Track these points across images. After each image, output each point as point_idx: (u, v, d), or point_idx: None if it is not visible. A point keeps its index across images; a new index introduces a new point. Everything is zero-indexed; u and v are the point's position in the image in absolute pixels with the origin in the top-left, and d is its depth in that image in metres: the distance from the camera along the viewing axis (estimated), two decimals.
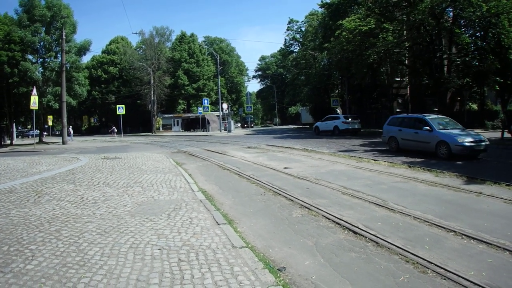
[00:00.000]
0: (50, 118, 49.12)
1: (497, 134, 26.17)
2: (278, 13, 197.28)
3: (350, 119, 33.32)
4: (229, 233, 5.82)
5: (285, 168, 13.31)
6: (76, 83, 39.35)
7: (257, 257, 4.89)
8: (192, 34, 73.34)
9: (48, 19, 36.51)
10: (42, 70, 37.37)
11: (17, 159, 18.07)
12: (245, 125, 73.66)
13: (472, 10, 28.27)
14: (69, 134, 49.18)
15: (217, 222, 6.41)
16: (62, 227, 6.10)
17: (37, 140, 38.76)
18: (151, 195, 8.66)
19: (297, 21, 73.96)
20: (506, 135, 22.21)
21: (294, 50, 74.24)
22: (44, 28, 37.15)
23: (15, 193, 9.00)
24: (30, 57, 37.69)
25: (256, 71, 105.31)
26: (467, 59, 31.94)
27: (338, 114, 35.22)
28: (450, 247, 5.35)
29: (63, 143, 34.03)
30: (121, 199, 8.29)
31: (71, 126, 55.69)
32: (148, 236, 5.64)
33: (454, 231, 5.92)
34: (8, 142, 39.95)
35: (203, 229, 6.02)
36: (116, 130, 53.58)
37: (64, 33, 34.49)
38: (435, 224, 6.28)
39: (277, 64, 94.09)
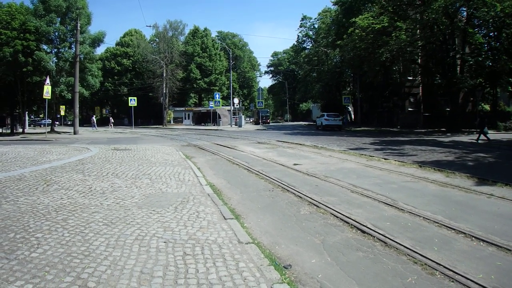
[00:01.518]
0: (62, 108, 49.50)
1: (510, 136, 25.99)
2: (292, 9, 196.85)
3: (331, 118, 40.56)
4: (236, 228, 5.77)
5: (295, 164, 13.24)
6: (89, 74, 39.62)
7: (263, 253, 4.83)
8: (206, 29, 73.40)
9: (64, 10, 36.69)
10: (56, 60, 37.64)
11: (28, 148, 18.23)
12: (260, 121, 64.38)
13: (486, 10, 28.01)
14: (93, 124, 50.48)
15: (224, 217, 6.37)
16: (69, 216, 6.10)
17: (49, 130, 39.12)
18: (159, 188, 8.65)
19: (310, 18, 74.04)
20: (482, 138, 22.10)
21: (307, 47, 74.26)
22: (59, 19, 37.37)
23: (24, 181, 9.05)
24: (45, 47, 38.05)
25: (268, 66, 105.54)
26: (480, 59, 31.69)
27: (323, 113, 43.40)
28: (459, 249, 5.26)
29: (75, 133, 34.35)
30: (129, 190, 8.29)
31: (94, 116, 56.53)
32: (154, 229, 5.61)
33: (464, 233, 5.81)
34: (20, 130, 40.38)
35: (210, 223, 5.98)
36: (112, 121, 54.22)
37: (78, 24, 34.74)
38: (444, 225, 6.17)
39: (290, 60, 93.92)
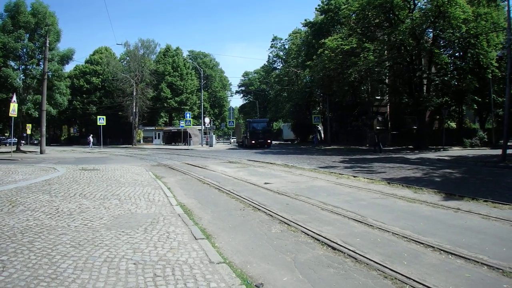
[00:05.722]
0: (29, 127, 48.18)
1: (475, 152, 26.83)
2: (264, 30, 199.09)
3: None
4: (207, 248, 5.72)
5: (265, 183, 13.27)
6: (57, 92, 38.73)
7: (234, 273, 4.81)
8: (177, 48, 73.57)
9: (33, 26, 35.96)
10: (23, 77, 36.69)
11: None
12: (254, 141, 44.93)
13: (452, 31, 29.04)
14: (89, 143, 49.20)
15: (194, 237, 6.31)
16: (35, 239, 5.93)
17: (15, 149, 38.01)
18: (128, 208, 8.51)
19: (281, 39, 75.03)
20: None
21: (277, 67, 75.04)
22: (27, 35, 36.54)
23: None
24: (12, 63, 37.04)
25: (239, 86, 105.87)
26: (446, 78, 32.67)
27: None
28: (429, 263, 5.35)
29: (41, 152, 33.45)
30: (97, 211, 8.12)
31: (91, 135, 55.01)
32: (124, 250, 5.51)
33: (433, 247, 5.93)
34: None
35: (180, 244, 5.91)
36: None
37: (47, 41, 34.07)
38: (413, 240, 6.29)
39: (260, 80, 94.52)
